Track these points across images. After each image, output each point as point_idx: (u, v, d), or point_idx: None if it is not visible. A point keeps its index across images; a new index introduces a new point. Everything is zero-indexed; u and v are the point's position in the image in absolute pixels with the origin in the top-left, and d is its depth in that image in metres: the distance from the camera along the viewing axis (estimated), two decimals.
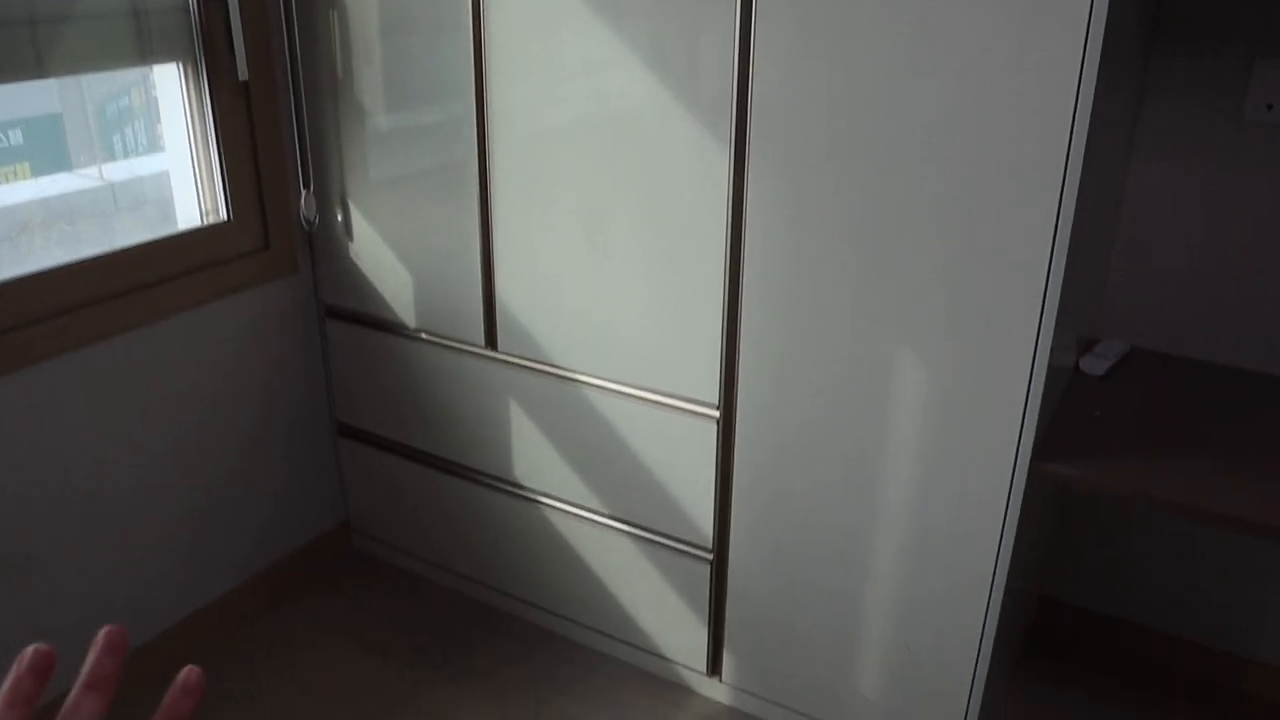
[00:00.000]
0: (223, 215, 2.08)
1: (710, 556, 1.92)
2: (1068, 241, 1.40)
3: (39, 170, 1.92)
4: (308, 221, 2.21)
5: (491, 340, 2.04)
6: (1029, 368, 1.49)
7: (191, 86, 2.00)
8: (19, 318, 1.76)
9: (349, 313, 2.26)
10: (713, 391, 1.79)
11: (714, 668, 2.03)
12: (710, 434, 1.82)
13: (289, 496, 2.38)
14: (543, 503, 2.12)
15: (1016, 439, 1.53)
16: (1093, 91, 1.32)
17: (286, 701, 2.07)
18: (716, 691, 2.07)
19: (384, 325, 2.20)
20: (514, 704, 2.07)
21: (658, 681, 2.13)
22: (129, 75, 2.00)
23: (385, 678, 2.14)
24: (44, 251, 1.88)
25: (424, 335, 2.14)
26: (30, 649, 0.49)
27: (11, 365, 1.76)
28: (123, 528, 2.01)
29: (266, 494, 2.31)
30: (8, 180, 1.90)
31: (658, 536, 1.98)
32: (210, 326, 2.09)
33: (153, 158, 2.09)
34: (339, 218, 2.17)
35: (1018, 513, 1.57)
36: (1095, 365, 1.84)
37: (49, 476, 1.86)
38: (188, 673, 0.53)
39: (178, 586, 2.16)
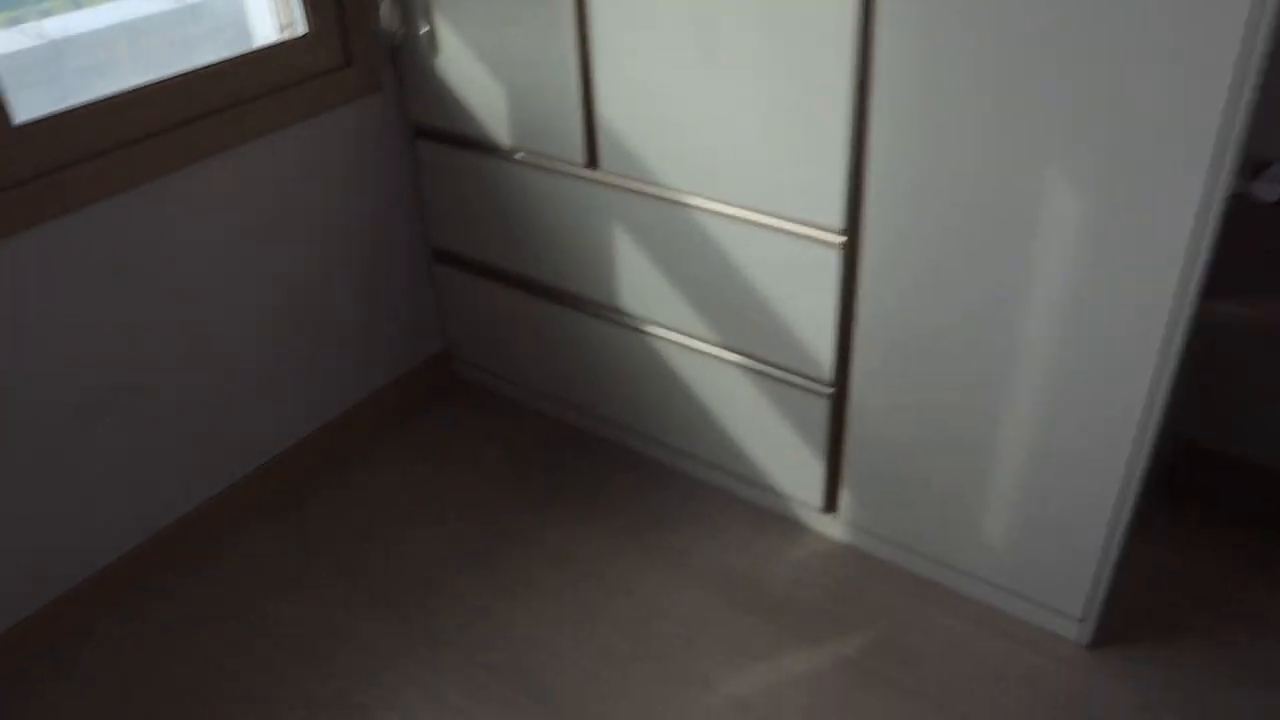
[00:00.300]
0: (300, 31, 1.95)
1: (829, 391, 1.81)
2: (1267, 36, 1.18)
3: None
4: (391, 35, 2.05)
5: (592, 159, 1.90)
6: (1201, 190, 1.29)
7: None
8: (109, 141, 1.70)
9: (439, 132, 2.13)
10: (837, 216, 1.63)
11: (830, 504, 1.96)
12: (833, 261, 1.67)
13: (386, 323, 2.32)
14: (647, 331, 2.02)
15: (1180, 272, 1.36)
16: None
17: (397, 510, 2.12)
18: (831, 528, 2.00)
19: (477, 145, 2.07)
20: (619, 528, 2.04)
21: (768, 515, 2.07)
22: None
23: (490, 500, 2.12)
24: (132, 75, 1.80)
25: (520, 155, 2.01)
26: None
27: (105, 191, 1.70)
28: (227, 356, 1.99)
29: (363, 319, 2.26)
30: (90, 3, 1.83)
31: (772, 369, 1.87)
32: (295, 149, 1.98)
33: None
34: (423, 30, 2.01)
35: (1178, 355, 1.41)
36: (1268, 190, 1.63)
37: (151, 306, 1.83)
38: None
39: (279, 415, 2.15)
